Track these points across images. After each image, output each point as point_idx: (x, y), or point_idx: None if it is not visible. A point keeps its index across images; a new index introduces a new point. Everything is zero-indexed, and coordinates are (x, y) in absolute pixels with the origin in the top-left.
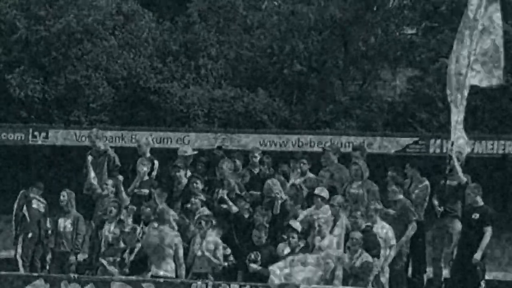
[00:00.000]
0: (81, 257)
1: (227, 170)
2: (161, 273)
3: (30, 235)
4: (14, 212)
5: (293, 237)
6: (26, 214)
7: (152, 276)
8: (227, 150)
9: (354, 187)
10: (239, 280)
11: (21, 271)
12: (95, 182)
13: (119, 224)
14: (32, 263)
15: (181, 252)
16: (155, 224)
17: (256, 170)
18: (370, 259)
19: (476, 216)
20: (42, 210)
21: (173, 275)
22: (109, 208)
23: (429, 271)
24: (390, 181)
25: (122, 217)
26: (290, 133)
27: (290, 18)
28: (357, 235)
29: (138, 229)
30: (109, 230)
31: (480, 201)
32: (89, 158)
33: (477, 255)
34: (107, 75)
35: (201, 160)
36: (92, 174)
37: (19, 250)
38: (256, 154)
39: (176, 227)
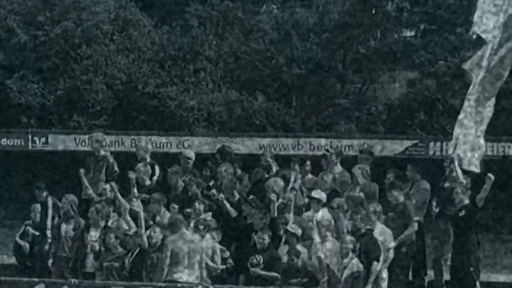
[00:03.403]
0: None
1: (226, 174)
2: (189, 279)
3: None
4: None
5: (293, 243)
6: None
7: (170, 281)
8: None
9: (356, 190)
10: (241, 284)
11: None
12: (90, 191)
13: (106, 229)
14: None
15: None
16: (184, 230)
17: (260, 173)
18: (360, 267)
19: (462, 213)
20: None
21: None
22: (96, 212)
23: (430, 273)
24: (389, 187)
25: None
26: (290, 136)
27: (289, 21)
28: (348, 238)
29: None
30: (95, 235)
31: (466, 201)
32: (82, 171)
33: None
34: (106, 79)
35: (206, 164)
36: (87, 185)
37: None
38: (268, 158)
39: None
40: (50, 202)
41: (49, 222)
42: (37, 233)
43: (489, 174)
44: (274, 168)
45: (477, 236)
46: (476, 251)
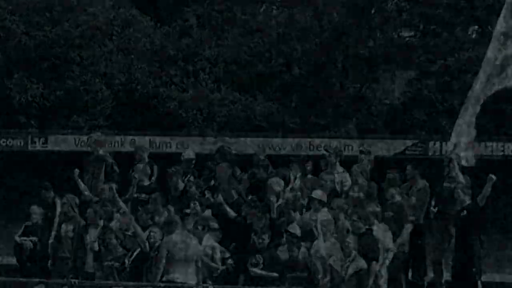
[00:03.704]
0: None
1: (224, 175)
2: (186, 280)
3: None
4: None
5: (292, 243)
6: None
7: (168, 281)
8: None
9: (355, 190)
10: (241, 284)
11: None
12: (87, 192)
13: (105, 229)
14: None
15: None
16: (180, 231)
17: (259, 173)
18: (364, 265)
19: (464, 213)
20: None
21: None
22: (93, 213)
23: (430, 273)
24: (387, 184)
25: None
26: (289, 136)
27: (288, 21)
28: (351, 238)
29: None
30: (94, 235)
31: (468, 200)
32: (76, 172)
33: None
34: (105, 80)
35: (206, 164)
36: (82, 186)
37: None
38: (261, 157)
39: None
40: (58, 203)
41: (56, 223)
42: (36, 239)
43: (491, 174)
44: (270, 168)
45: (481, 236)
46: (478, 251)
